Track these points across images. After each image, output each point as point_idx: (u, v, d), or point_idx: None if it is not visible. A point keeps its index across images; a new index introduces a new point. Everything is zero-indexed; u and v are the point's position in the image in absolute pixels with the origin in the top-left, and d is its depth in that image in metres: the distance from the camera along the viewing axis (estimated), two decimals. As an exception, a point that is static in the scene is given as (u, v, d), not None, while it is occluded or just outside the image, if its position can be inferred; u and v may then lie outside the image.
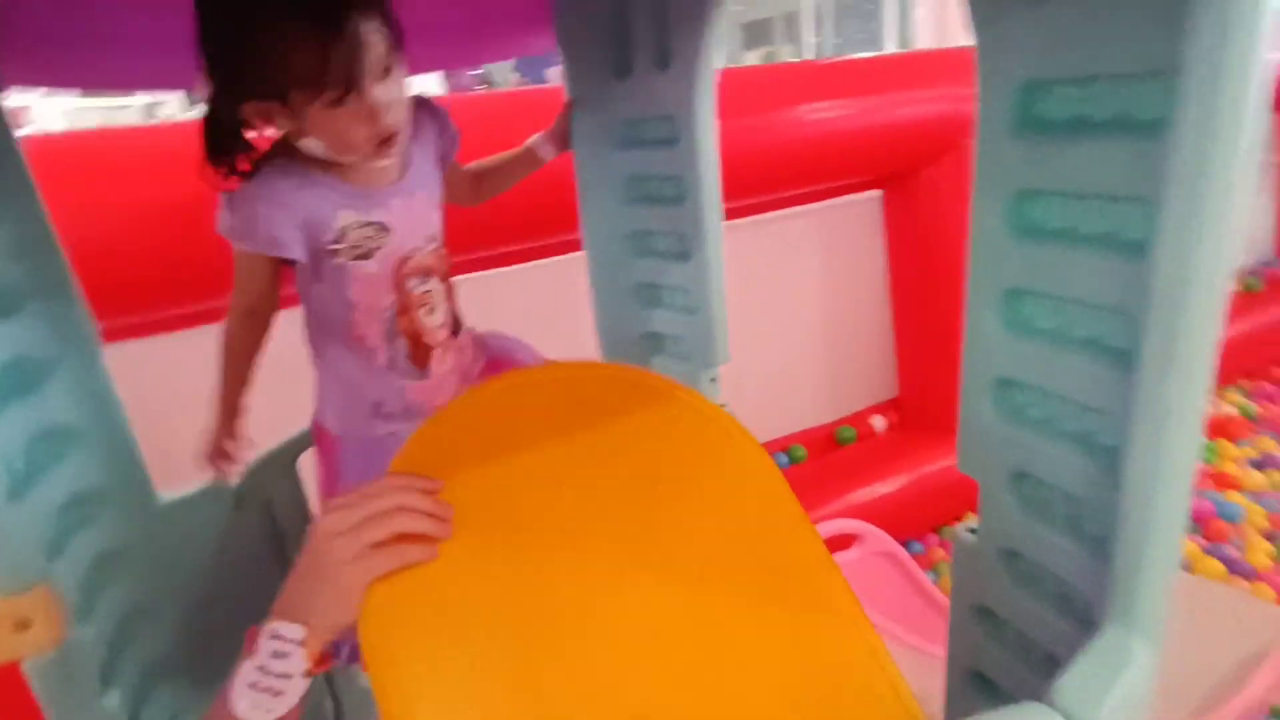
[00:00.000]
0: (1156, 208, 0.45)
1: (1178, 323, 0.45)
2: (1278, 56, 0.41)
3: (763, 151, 1.74)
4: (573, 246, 1.16)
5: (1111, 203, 0.54)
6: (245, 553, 0.90)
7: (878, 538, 1.33)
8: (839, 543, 1.33)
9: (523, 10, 0.98)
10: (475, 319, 0.96)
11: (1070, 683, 0.48)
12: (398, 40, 0.73)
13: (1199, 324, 0.45)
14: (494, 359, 0.97)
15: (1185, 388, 0.46)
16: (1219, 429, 2.39)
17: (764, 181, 1.82)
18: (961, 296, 0.65)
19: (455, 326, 0.90)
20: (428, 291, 0.82)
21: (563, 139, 1.04)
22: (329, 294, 0.80)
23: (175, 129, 1.28)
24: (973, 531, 0.72)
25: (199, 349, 1.16)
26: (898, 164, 2.04)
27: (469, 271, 1.38)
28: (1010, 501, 0.67)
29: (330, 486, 0.88)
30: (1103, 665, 0.50)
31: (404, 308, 0.81)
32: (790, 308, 2.22)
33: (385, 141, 0.74)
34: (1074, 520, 0.62)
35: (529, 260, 1.52)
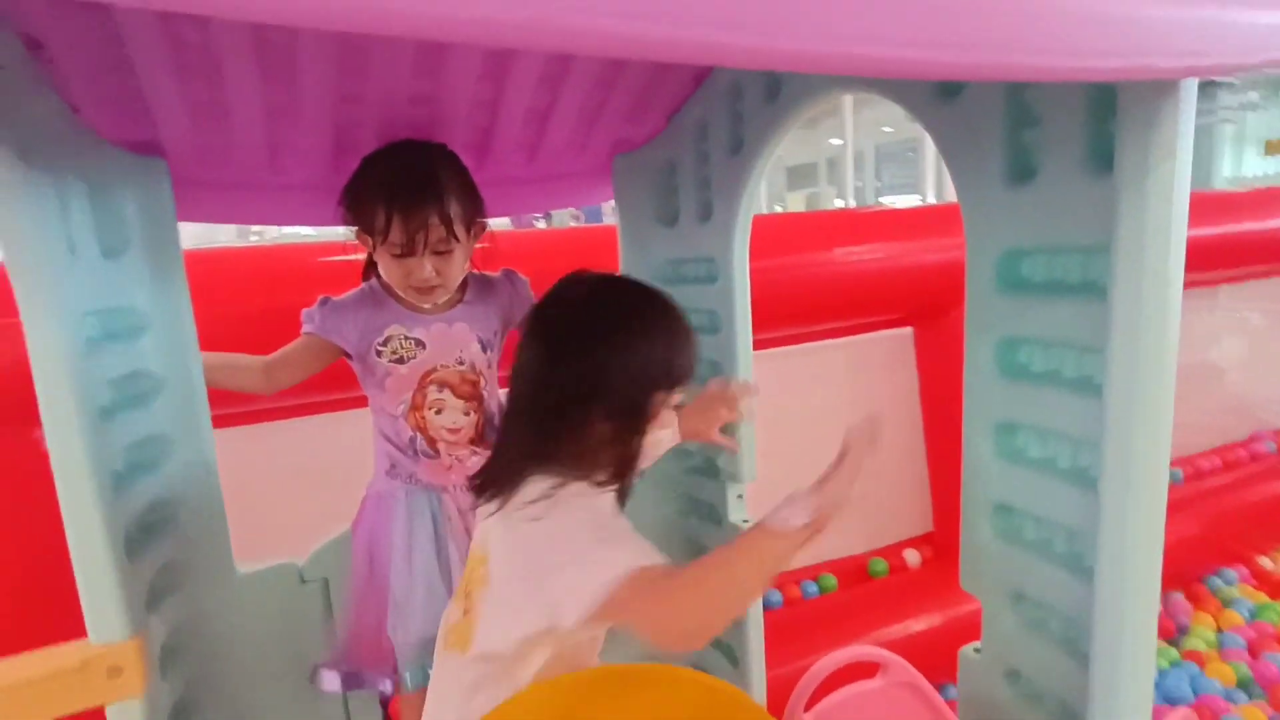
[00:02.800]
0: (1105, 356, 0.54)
1: (1129, 452, 0.53)
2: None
3: (804, 287, 1.86)
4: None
5: (1081, 351, 0.62)
6: (303, 621, 0.99)
7: (901, 668, 1.31)
8: (860, 670, 1.32)
9: (587, 170, 1.15)
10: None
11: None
12: (467, 230, 0.96)
13: (1148, 454, 0.52)
14: None
15: (1142, 506, 0.53)
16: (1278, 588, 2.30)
17: (800, 314, 1.93)
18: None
19: (477, 438, 1.05)
20: (440, 399, 1.01)
21: None
22: (373, 383, 1.01)
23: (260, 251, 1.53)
24: (978, 651, 0.76)
25: (280, 441, 1.29)
26: (928, 303, 2.15)
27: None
28: (1010, 621, 0.71)
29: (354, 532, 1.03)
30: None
31: (416, 405, 1.00)
32: (821, 437, 2.27)
33: (421, 291, 0.98)
34: (1070, 640, 0.66)
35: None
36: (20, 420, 1.00)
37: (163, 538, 0.83)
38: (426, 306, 1.02)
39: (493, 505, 0.72)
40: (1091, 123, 0.58)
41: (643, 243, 1.18)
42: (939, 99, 0.71)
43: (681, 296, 1.16)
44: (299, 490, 1.17)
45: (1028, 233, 0.65)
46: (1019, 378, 0.69)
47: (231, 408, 1.12)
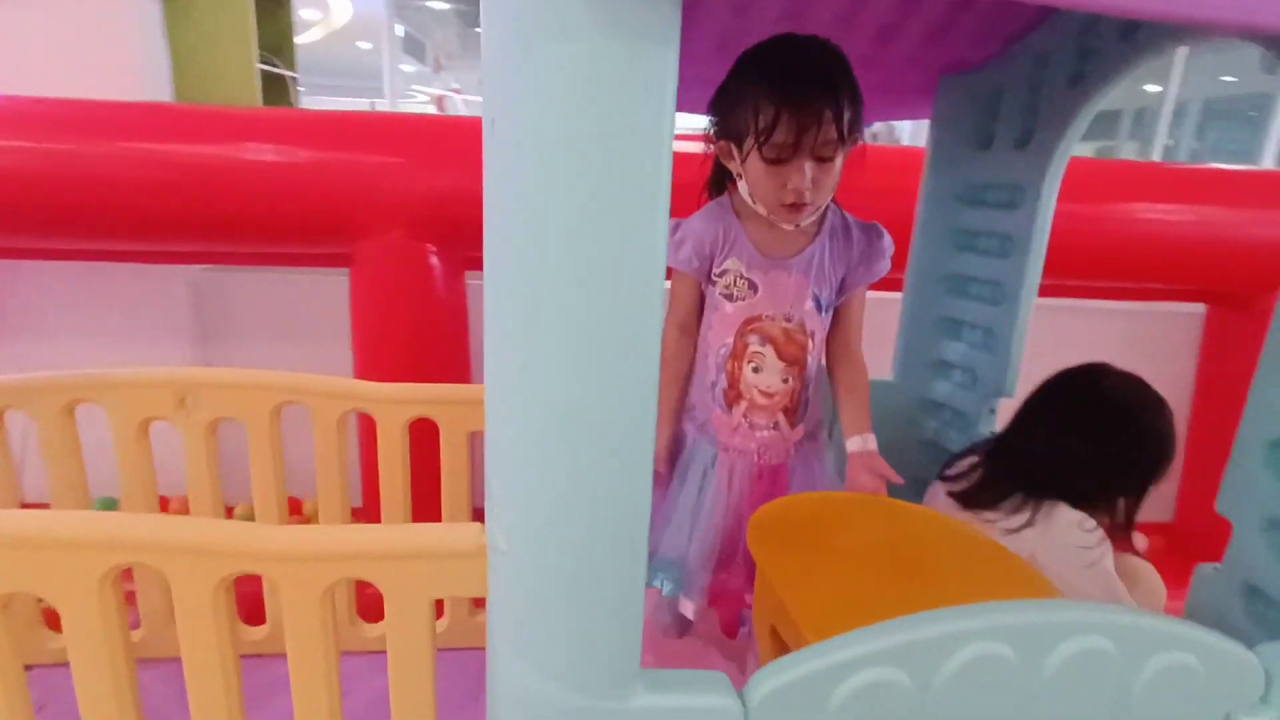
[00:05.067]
0: None
1: None
2: None
3: (1093, 242, 1.80)
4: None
5: None
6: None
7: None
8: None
9: (916, 86, 1.24)
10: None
11: None
12: (852, 135, 0.87)
13: None
14: (778, 467, 1.00)
15: None
16: None
17: (1085, 270, 1.86)
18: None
19: (791, 409, 0.98)
20: (759, 353, 0.94)
21: None
22: (708, 309, 0.99)
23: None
24: (1216, 569, 0.83)
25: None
26: (1233, 283, 1.98)
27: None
28: (1259, 544, 0.77)
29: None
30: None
31: (735, 353, 0.96)
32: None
33: (791, 207, 0.87)
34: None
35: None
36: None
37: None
38: (785, 229, 0.92)
39: (1027, 514, 0.97)
40: None
41: (951, 163, 1.26)
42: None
43: (978, 220, 1.25)
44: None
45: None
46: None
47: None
